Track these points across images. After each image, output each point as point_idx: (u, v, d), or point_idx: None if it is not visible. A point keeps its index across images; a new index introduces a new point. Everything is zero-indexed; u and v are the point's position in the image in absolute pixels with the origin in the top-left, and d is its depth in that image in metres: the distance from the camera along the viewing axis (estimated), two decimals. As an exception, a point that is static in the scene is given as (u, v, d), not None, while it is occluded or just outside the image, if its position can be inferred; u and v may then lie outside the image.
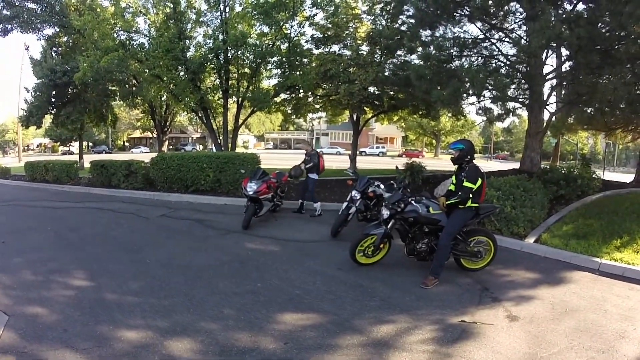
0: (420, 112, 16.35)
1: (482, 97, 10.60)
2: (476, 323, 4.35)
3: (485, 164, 43.11)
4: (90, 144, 66.01)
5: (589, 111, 11.58)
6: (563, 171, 10.43)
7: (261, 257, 6.45)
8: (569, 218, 8.60)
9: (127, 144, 72.89)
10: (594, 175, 10.82)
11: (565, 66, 11.18)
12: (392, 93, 14.57)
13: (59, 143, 58.22)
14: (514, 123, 74.33)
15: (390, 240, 5.98)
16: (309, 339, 3.96)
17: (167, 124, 27.34)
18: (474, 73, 9.17)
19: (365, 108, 15.53)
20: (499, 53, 11.50)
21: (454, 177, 5.86)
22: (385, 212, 5.78)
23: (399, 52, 13.79)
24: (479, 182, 5.40)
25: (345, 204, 7.80)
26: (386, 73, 13.24)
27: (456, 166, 5.75)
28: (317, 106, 18.56)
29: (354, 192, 7.70)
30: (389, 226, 5.78)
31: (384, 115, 18.73)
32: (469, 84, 9.45)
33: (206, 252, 6.65)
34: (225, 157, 11.40)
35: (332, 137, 68.21)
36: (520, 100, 11.48)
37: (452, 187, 5.80)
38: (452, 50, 10.57)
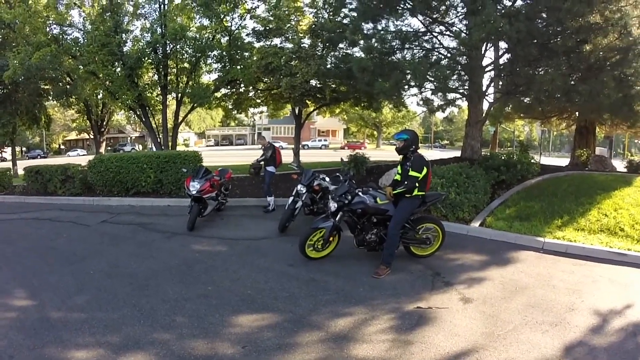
0: (363, 104, 16.45)
1: (423, 89, 10.84)
2: (432, 308, 4.43)
3: (427, 153, 44.49)
4: (24, 148, 61.26)
5: (526, 101, 12.13)
6: (503, 157, 10.82)
7: (209, 258, 6.15)
8: (511, 201, 8.94)
9: (62, 146, 68.42)
10: (532, 160, 11.28)
11: (503, 59, 11.67)
12: (333, 86, 14.58)
13: None
14: (453, 113, 77.26)
15: (339, 233, 5.93)
16: (267, 340, 3.80)
17: (104, 123, 26.01)
18: (416, 65, 9.35)
19: (307, 101, 15.46)
20: (440, 46, 11.78)
21: (399, 167, 5.89)
22: (333, 205, 5.71)
23: (340, 45, 13.82)
24: (425, 170, 5.46)
25: (291, 198, 7.66)
26: (328, 66, 13.22)
27: (401, 156, 5.79)
28: (259, 100, 18.29)
29: (299, 186, 7.58)
30: (337, 219, 5.70)
31: (326, 108, 18.78)
32: (410, 75, 9.61)
33: (152, 257, 6.24)
34: (165, 157, 10.85)
35: (274, 132, 67.53)
36: (461, 91, 11.83)
37: (397, 177, 5.84)
38: (394, 43, 10.69)
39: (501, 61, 11.76)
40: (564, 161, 21.29)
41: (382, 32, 10.86)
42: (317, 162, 20.05)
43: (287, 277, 5.35)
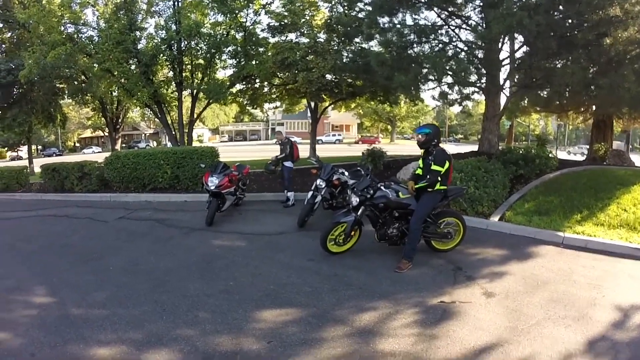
0: (379, 98, 16.33)
1: (442, 82, 10.68)
2: (455, 302, 4.41)
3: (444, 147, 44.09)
4: (40, 147, 62.16)
5: (544, 94, 11.95)
6: (521, 152, 10.69)
7: (229, 254, 6.14)
8: (530, 196, 8.85)
9: (78, 144, 69.25)
10: (550, 155, 11.15)
11: (520, 52, 11.51)
12: (349, 80, 14.48)
13: (6, 148, 54.28)
14: (467, 107, 76.26)
15: (360, 227, 5.90)
16: (292, 335, 3.78)
17: (120, 121, 26.09)
18: (434, 59, 9.24)
19: (323, 96, 15.34)
20: (458, 39, 11.60)
21: (420, 161, 5.81)
22: (355, 199, 5.66)
23: (356, 40, 13.72)
24: (447, 164, 5.42)
25: (310, 193, 7.62)
26: (345, 60, 13.14)
27: (422, 150, 5.72)
28: (274, 96, 18.26)
29: (318, 181, 7.53)
30: (358, 213, 5.66)
31: (341, 103, 18.69)
32: (429, 69, 9.50)
33: (171, 253, 6.24)
34: (182, 152, 10.90)
35: (288, 127, 67.25)
36: (478, 85, 11.67)
37: (419, 171, 5.76)
38: (411, 37, 10.54)
39: (518, 54, 11.60)
40: (579, 156, 20.95)
41: (399, 25, 10.72)
42: (332, 156, 20.02)
43: (309, 272, 5.33)
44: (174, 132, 16.56)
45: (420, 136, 5.59)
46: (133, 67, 14.67)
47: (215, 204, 7.84)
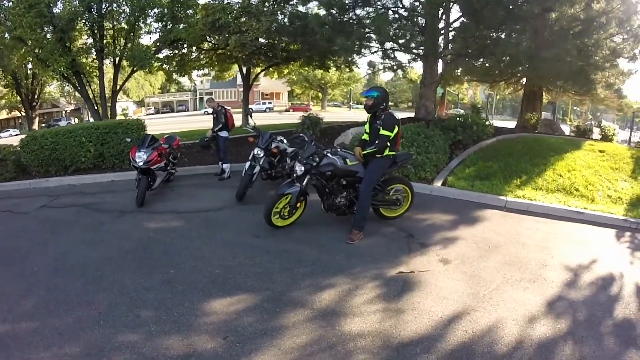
0: (315, 64, 15.82)
1: (383, 47, 10.41)
2: (414, 272, 4.34)
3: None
4: None
5: (479, 64, 12.23)
6: (459, 118, 10.88)
7: (166, 237, 5.52)
8: (469, 161, 9.09)
9: None
10: (486, 122, 11.46)
11: (460, 21, 11.50)
12: (283, 45, 13.88)
13: None
14: (397, 75, 78.29)
15: (305, 198, 5.59)
16: (248, 326, 3.37)
17: (36, 97, 23.52)
18: (379, 21, 8.89)
19: (256, 61, 14.60)
20: (400, 5, 11.34)
21: (367, 125, 5.56)
22: (299, 168, 5.28)
23: (292, 2, 13.06)
24: (396, 129, 5.21)
25: (248, 163, 7.13)
26: (280, 22, 12.46)
27: (369, 115, 5.46)
28: (203, 62, 17.30)
29: (256, 150, 7.06)
30: (304, 183, 5.31)
31: (274, 69, 18.13)
32: (373, 32, 9.18)
33: (102, 242, 5.47)
34: (105, 127, 9.78)
35: (217, 96, 64.01)
36: (417, 51, 11.57)
37: (365, 137, 5.55)
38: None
39: (459, 23, 11.60)
40: (509, 124, 22.10)
41: None
42: (265, 124, 19.33)
43: (256, 251, 4.92)
44: (95, 106, 15.04)
45: (367, 99, 5.34)
46: (48, 34, 12.93)
47: (145, 181, 7.07)
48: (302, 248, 4.96)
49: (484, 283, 4.08)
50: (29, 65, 18.54)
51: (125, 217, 6.53)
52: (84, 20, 13.16)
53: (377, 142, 5.14)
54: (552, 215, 6.36)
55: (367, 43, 10.07)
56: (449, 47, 12.27)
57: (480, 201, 6.95)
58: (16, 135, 43.58)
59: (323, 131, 12.23)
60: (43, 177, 9.76)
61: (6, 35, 13.11)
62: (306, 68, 19.22)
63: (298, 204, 5.49)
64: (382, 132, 5.09)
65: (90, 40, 14.22)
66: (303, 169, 5.26)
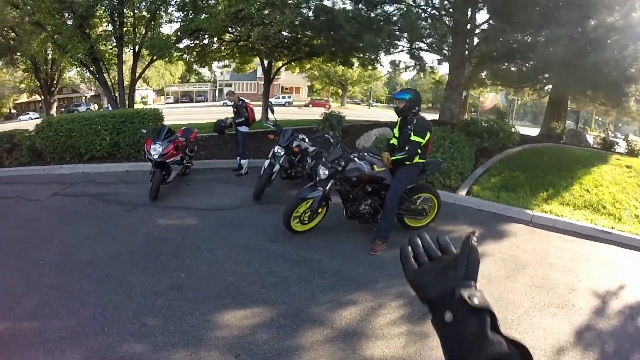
0: (338, 60, 15.38)
1: (413, 46, 10.02)
2: None
3: (392, 114, 44.48)
4: None
5: (507, 67, 11.83)
6: (485, 124, 10.54)
7: (178, 235, 5.26)
8: (495, 170, 8.75)
9: (13, 110, 63.10)
10: (512, 130, 11.07)
11: (490, 23, 11.09)
12: (306, 39, 13.52)
13: None
14: (419, 75, 77.79)
15: (327, 203, 5.28)
16: (263, 344, 3.09)
17: (55, 82, 23.59)
18: (412, 20, 8.50)
19: (279, 54, 14.23)
20: (431, 4, 10.94)
21: (396, 129, 5.21)
22: (323, 172, 4.92)
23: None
24: (428, 135, 4.85)
25: (267, 161, 6.82)
26: (306, 16, 12.10)
27: (399, 118, 5.11)
28: (224, 53, 17.02)
29: (276, 148, 6.76)
30: (327, 187, 5.00)
31: (296, 63, 17.77)
32: (403, 30, 8.79)
33: (111, 237, 5.25)
34: (122, 116, 9.58)
35: (236, 88, 63.97)
36: (445, 52, 11.19)
37: (394, 141, 5.21)
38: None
39: (485, 25, 11.20)
40: (530, 131, 21.55)
41: None
42: (284, 119, 19.13)
43: (273, 257, 4.63)
44: (114, 94, 14.93)
45: (398, 102, 4.96)
46: (68, 21, 12.76)
47: (160, 175, 6.80)
48: (322, 257, 4.66)
49: (512, 307, 3.85)
50: (49, 51, 18.54)
51: (136, 210, 6.32)
52: (103, 7, 12.95)
53: (407, 148, 4.80)
54: (579, 233, 6.02)
55: (396, 41, 9.66)
56: (476, 50, 11.88)
57: (506, 214, 6.64)
58: (36, 118, 44.03)
59: (344, 130, 11.89)
60: (57, 163, 9.66)
61: (26, 19, 12.96)
62: (328, 64, 18.80)
63: (319, 209, 5.20)
64: (414, 138, 4.75)
65: (110, 28, 14.05)
66: (327, 172, 4.91)
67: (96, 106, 53.34)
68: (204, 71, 25.60)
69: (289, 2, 12.08)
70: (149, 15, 13.83)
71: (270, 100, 17.96)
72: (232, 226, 5.60)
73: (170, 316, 3.43)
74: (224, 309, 3.56)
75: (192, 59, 16.70)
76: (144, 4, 13.61)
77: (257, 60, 17.81)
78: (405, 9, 9.42)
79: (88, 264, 4.44)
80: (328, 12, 10.82)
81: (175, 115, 23.88)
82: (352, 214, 5.20)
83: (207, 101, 67.31)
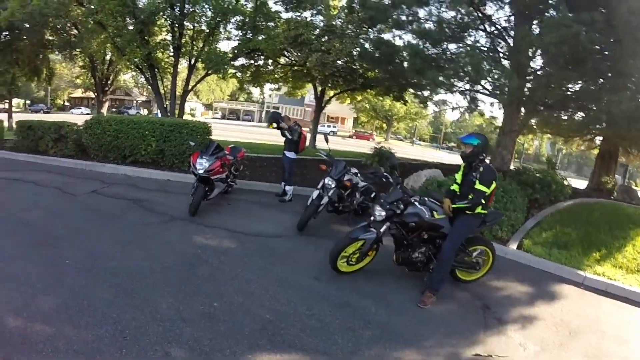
0: (393, 94, 15.18)
1: (475, 86, 9.64)
2: (491, 357, 3.72)
3: (436, 154, 43.71)
4: (28, 101, 59.16)
5: (555, 115, 11.29)
6: (537, 174, 10.04)
7: (215, 258, 4.97)
8: (546, 224, 8.28)
9: (67, 103, 66.32)
10: (564, 182, 10.53)
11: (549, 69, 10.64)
12: (361, 71, 13.38)
13: None
14: (464, 117, 77.57)
15: (378, 245, 4.93)
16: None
17: (109, 82, 24.42)
18: (479, 59, 8.15)
19: (335, 82, 13.95)
20: (491, 47, 10.62)
21: (459, 175, 4.91)
22: (380, 213, 4.60)
23: (376, 27, 12.52)
24: (493, 185, 4.53)
25: (316, 192, 6.53)
26: (366, 46, 11.97)
27: (463, 164, 4.82)
28: (277, 76, 17.14)
29: (327, 180, 6.47)
30: (382, 230, 4.68)
31: (349, 93, 17.61)
32: (468, 69, 8.43)
33: (143, 248, 5.04)
34: (171, 125, 9.61)
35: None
36: (506, 96, 10.75)
37: (455, 187, 4.90)
38: (447, 31, 9.49)
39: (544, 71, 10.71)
40: (575, 182, 20.62)
41: (438, 16, 9.73)
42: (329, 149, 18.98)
43: (314, 297, 4.28)
44: (165, 102, 15.20)
45: (465, 146, 4.63)
46: (129, 25, 13.23)
47: (202, 191, 6.61)
48: (368, 304, 4.28)
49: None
50: (107, 52, 19.15)
51: (174, 223, 6.12)
52: (165, 16, 13.32)
53: (471, 197, 4.49)
54: (631, 300, 5.56)
55: (457, 81, 9.31)
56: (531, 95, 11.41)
57: (556, 273, 6.19)
58: (87, 114, 46.34)
59: (393, 167, 11.45)
60: (100, 161, 9.79)
61: (89, 20, 13.39)
62: (379, 97, 18.64)
63: (370, 252, 4.85)
64: (479, 186, 4.44)
65: (169, 37, 14.41)
66: (384, 214, 4.59)
67: (145, 111, 55.50)
68: (254, 91, 25.97)
69: (348, 31, 12.02)
70: (208, 30, 14.14)
71: (321, 128, 17.85)
72: (273, 256, 5.29)
73: (198, 349, 3.11)
74: (258, 350, 3.21)
75: (245, 78, 16.92)
76: (204, 18, 13.95)
77: (309, 86, 17.87)
78: (468, 49, 9.09)
79: (115, 272, 4.23)
80: (389, 46, 10.66)
81: (220, 131, 24.19)
82: (404, 261, 4.85)
83: (253, 121, 69.26)
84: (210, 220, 6.47)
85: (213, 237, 5.77)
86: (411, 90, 13.38)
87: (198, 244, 5.39)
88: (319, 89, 16.18)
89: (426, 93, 12.94)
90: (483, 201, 4.46)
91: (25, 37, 18.10)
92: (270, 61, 15.66)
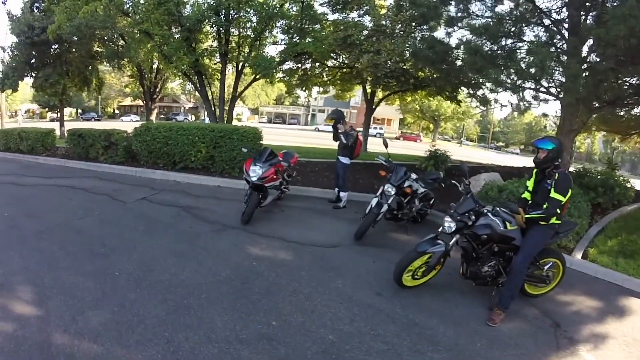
0: (445, 94, 14.60)
1: (539, 83, 9.07)
2: None
3: (484, 154, 42.34)
4: (80, 110, 62.55)
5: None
6: (599, 176, 9.49)
7: (271, 271, 4.81)
8: (611, 231, 7.71)
9: (117, 111, 69.57)
10: (627, 184, 9.88)
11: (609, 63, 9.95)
12: (411, 70, 12.92)
13: (47, 109, 54.87)
14: (513, 115, 75.30)
15: (445, 259, 4.69)
16: None
17: (157, 90, 25.25)
18: (544, 55, 7.64)
19: (387, 83, 13.30)
20: (553, 42, 10.02)
21: (530, 182, 4.65)
22: (450, 225, 4.36)
23: (426, 25, 11.95)
24: (569, 193, 4.22)
25: (375, 200, 6.27)
26: (419, 45, 11.40)
27: (535, 170, 4.53)
28: (325, 79, 16.99)
29: (387, 187, 6.21)
30: (451, 242, 4.42)
31: (398, 95, 17.17)
32: (533, 66, 7.95)
33: (196, 260, 4.94)
34: (220, 131, 9.66)
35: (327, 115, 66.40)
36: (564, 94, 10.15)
37: (526, 195, 4.63)
38: (506, 27, 9.03)
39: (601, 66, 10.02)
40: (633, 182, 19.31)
41: (493, 10, 9.30)
42: (378, 151, 18.64)
43: (378, 315, 4.05)
44: (213, 108, 15.37)
45: (540, 151, 4.31)
46: (175, 34, 13.54)
47: (256, 199, 6.51)
48: (436, 323, 4.05)
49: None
50: (154, 61, 19.73)
51: (226, 232, 6.06)
52: (210, 23, 13.45)
53: (546, 206, 4.19)
54: None
55: (520, 79, 8.77)
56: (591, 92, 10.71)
57: (624, 285, 5.73)
58: (136, 121, 48.48)
59: (448, 171, 11.05)
60: (150, 168, 10.03)
61: (135, 30, 13.75)
62: (430, 98, 18.16)
63: (437, 265, 4.62)
64: (554, 195, 4.15)
65: (215, 44, 14.59)
66: (454, 226, 4.34)
67: (193, 117, 57.39)
68: (300, 95, 26.02)
69: (397, 31, 11.71)
70: (253, 35, 14.15)
71: (360, 130, 17.56)
72: (332, 269, 5.11)
73: (257, 377, 2.93)
74: (322, 377, 3.01)
75: (294, 82, 16.89)
76: (249, 23, 13.99)
77: (357, 88, 17.68)
78: (530, 45, 8.56)
79: (167, 286, 4.17)
80: (443, 44, 10.27)
81: (268, 135, 24.26)
82: (472, 275, 4.56)
83: (299, 124, 70.04)
84: (263, 229, 6.37)
85: (267, 247, 5.65)
86: (465, 89, 12.87)
87: (252, 256, 5.28)
88: (369, 90, 15.84)
89: (481, 92, 12.44)
90: (558, 211, 4.17)
91: (74, 49, 18.94)
92: (317, 64, 15.53)
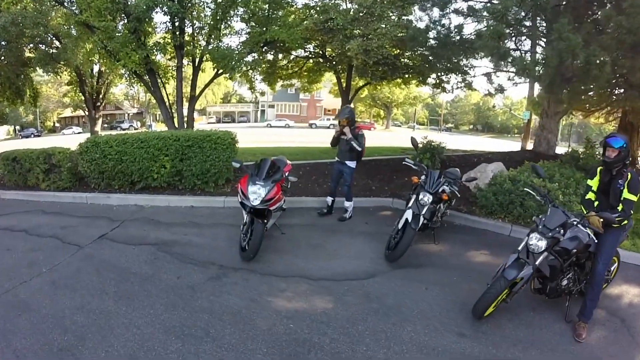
0: (420, 80, 13.92)
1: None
2: None
3: (438, 136, 42.67)
4: (18, 127, 56.47)
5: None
6: (598, 157, 9.02)
7: (318, 332, 3.59)
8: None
9: (57, 124, 63.68)
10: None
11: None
12: (401, 57, 12.14)
13: None
14: (459, 96, 77.28)
15: None
16: None
17: (101, 97, 22.55)
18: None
19: (378, 72, 11.93)
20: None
21: (594, 181, 4.25)
22: (540, 242, 3.73)
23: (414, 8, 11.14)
24: None
25: (409, 211, 5.18)
26: (418, 27, 10.46)
27: (600, 168, 4.19)
28: (291, 71, 15.86)
29: (422, 195, 5.21)
30: (537, 262, 3.79)
31: (375, 84, 16.20)
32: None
33: (209, 337, 3.48)
34: (188, 139, 8.04)
35: (279, 109, 64.92)
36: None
37: (591, 196, 4.25)
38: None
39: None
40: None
41: None
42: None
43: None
44: (170, 112, 13.39)
45: (610, 150, 3.89)
46: (120, 25, 11.67)
47: (262, 228, 4.93)
48: (535, 355, 3.51)
49: None
50: (96, 60, 17.47)
51: (229, 279, 4.60)
52: (163, 11, 11.50)
53: (620, 208, 3.92)
54: None
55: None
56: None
57: None
58: (79, 133, 44.96)
59: (443, 162, 10.12)
60: (103, 192, 8.37)
61: (72, 26, 12.06)
62: (403, 85, 17.51)
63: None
64: (627, 195, 3.90)
65: (169, 36, 12.64)
66: (545, 244, 3.72)
67: (139, 124, 53.95)
68: (246, 92, 24.66)
69: (388, 13, 10.62)
70: (213, 23, 12.44)
71: (313, 122, 16.53)
72: (390, 312, 4.03)
73: None
74: None
75: (259, 75, 15.47)
76: (208, 10, 12.38)
77: (324, 79, 16.65)
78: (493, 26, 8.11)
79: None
80: (442, 26, 9.82)
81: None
82: (551, 291, 4.09)
83: (249, 122, 68.76)
84: (274, 265, 5.00)
85: (294, 295, 4.31)
86: (449, 75, 12.44)
87: (282, 313, 3.92)
88: (344, 82, 14.77)
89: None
90: (632, 212, 3.99)
91: (2, 57, 16.45)
92: (282, 55, 14.33)
